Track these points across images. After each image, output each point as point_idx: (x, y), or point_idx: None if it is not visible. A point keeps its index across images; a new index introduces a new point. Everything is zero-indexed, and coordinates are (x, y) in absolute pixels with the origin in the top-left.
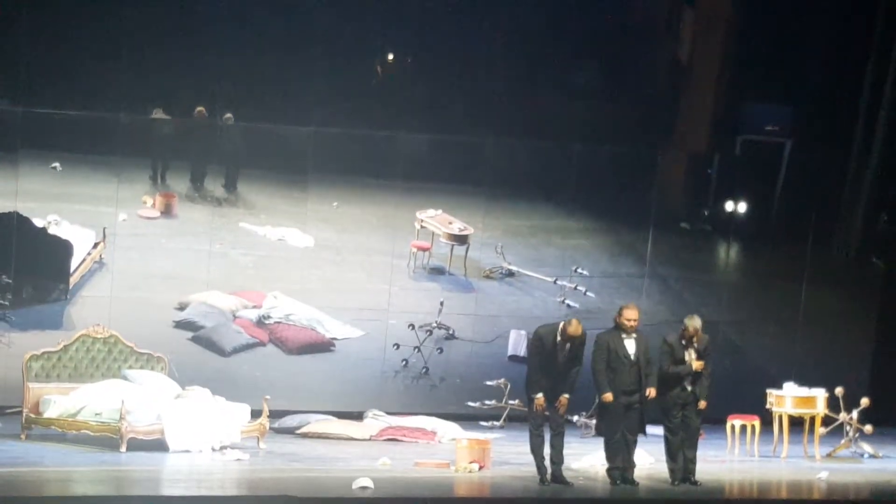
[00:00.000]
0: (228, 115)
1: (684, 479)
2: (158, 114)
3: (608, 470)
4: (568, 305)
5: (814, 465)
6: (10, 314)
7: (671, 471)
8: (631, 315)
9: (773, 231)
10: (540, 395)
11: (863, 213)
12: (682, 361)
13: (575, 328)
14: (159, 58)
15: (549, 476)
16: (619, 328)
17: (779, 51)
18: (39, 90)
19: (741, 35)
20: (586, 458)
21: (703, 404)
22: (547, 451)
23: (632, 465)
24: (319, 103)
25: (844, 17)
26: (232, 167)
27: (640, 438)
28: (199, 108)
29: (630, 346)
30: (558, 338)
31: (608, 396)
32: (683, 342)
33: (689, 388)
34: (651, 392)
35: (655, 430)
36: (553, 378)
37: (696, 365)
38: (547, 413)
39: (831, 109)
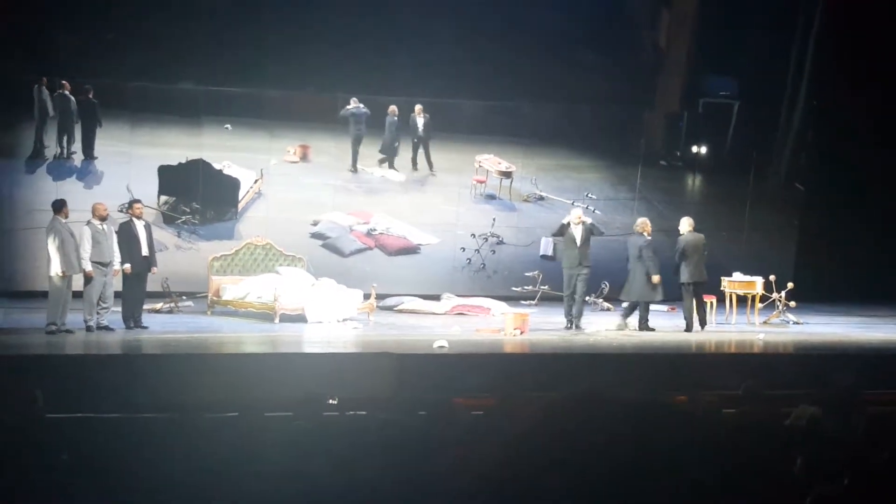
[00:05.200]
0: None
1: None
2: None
3: (567, 315)
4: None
5: (754, 329)
6: (199, 229)
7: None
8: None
9: (726, 166)
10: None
11: (789, 152)
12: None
13: (581, 214)
14: (304, 43)
15: (570, 324)
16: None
17: (730, 39)
18: (214, 73)
19: (703, 27)
20: (596, 325)
21: (655, 279)
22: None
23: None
24: (405, 81)
25: (776, 18)
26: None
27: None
28: (393, 107)
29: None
30: (572, 223)
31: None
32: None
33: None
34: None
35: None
36: (577, 253)
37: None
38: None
39: (767, 80)
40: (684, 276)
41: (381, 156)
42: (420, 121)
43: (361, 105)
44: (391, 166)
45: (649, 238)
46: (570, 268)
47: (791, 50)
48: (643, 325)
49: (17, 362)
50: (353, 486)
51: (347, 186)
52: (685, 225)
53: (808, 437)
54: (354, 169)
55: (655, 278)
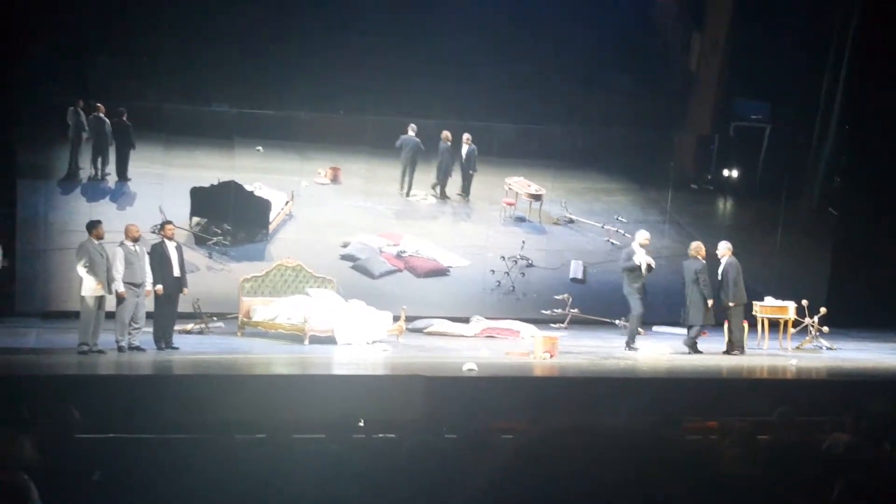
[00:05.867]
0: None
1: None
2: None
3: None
4: (612, 243)
5: (786, 354)
6: (230, 250)
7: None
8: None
9: (757, 190)
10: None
11: (821, 176)
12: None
13: (648, 236)
14: (335, 66)
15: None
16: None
17: (762, 62)
18: (247, 96)
19: (734, 51)
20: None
21: (710, 303)
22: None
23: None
24: (440, 103)
25: (808, 41)
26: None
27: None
28: (446, 133)
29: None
30: (636, 250)
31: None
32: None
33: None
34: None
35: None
36: (641, 277)
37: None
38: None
39: (799, 104)
40: (734, 297)
41: (433, 181)
42: (464, 148)
43: (412, 133)
44: (443, 192)
45: (704, 262)
46: (641, 293)
47: (823, 73)
48: (692, 346)
49: (50, 382)
50: None
51: (377, 208)
52: (724, 248)
53: (844, 463)
54: (405, 194)
55: (710, 302)
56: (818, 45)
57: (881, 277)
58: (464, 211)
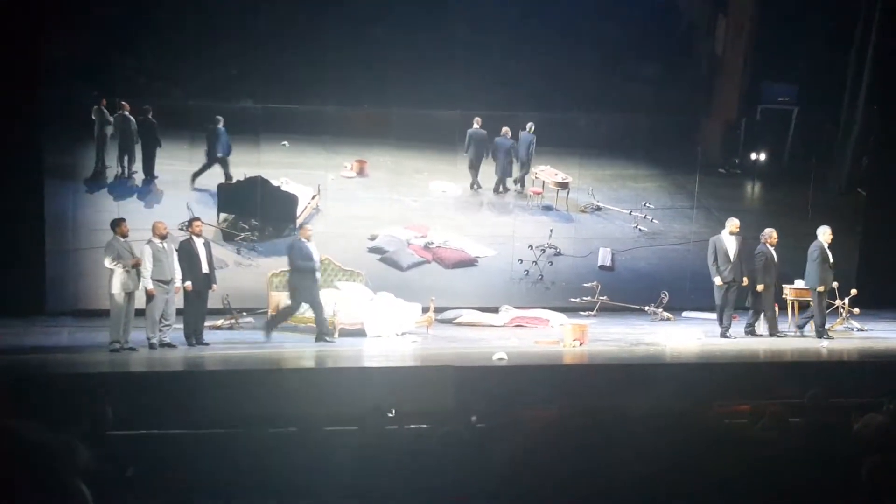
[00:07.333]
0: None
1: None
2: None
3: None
4: (640, 230)
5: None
6: (257, 245)
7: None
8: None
9: (785, 172)
10: (718, 279)
11: (850, 158)
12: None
13: (738, 223)
14: (358, 60)
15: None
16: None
17: (787, 44)
18: (272, 91)
19: (760, 34)
20: (656, 335)
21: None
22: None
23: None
24: (464, 94)
25: (834, 22)
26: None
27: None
28: (505, 129)
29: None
30: (725, 236)
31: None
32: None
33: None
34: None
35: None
36: (730, 264)
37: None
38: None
39: (825, 85)
40: (822, 281)
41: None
42: (524, 136)
43: (477, 126)
44: (504, 187)
45: (767, 248)
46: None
47: (850, 53)
48: (747, 330)
49: (83, 380)
50: (414, 497)
51: (403, 201)
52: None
53: (876, 445)
54: (474, 187)
55: (759, 287)
56: (844, 25)
57: None
58: (491, 201)
